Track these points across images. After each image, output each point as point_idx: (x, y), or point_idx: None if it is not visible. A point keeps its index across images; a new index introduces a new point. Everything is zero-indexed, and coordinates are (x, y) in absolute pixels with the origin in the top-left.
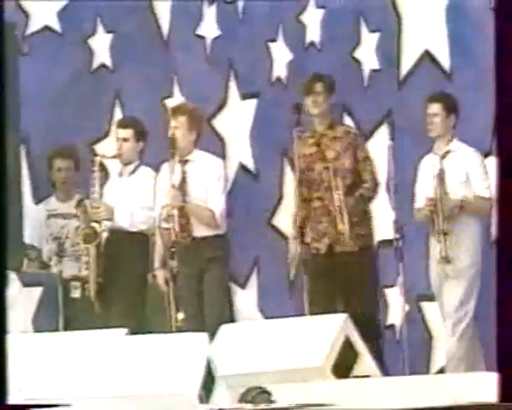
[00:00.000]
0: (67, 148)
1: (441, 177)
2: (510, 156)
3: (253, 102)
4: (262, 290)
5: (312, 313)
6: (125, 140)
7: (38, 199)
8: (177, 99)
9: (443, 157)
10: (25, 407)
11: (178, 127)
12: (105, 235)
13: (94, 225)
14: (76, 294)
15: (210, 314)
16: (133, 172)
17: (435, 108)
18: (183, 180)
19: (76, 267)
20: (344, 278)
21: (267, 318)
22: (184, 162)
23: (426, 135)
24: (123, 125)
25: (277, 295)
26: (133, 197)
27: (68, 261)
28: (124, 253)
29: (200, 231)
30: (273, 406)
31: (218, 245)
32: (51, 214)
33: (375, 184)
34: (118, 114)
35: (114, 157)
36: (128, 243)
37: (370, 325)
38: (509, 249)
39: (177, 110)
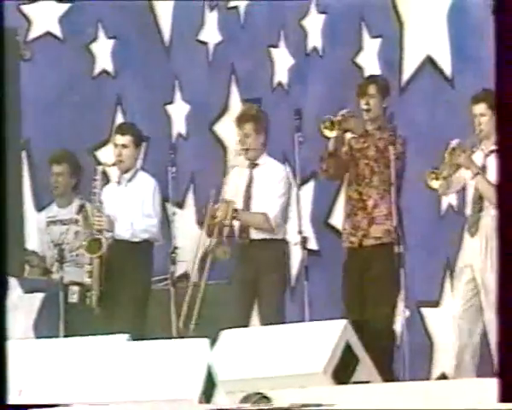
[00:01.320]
0: (62, 152)
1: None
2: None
3: None
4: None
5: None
6: (124, 146)
7: (40, 205)
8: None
9: (487, 156)
10: (25, 408)
11: (248, 134)
12: (108, 243)
13: (98, 235)
14: (74, 299)
15: (265, 319)
16: (131, 179)
17: (481, 108)
18: (250, 184)
19: (76, 273)
20: (368, 278)
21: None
22: (253, 166)
23: (428, 141)
24: (122, 131)
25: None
26: (132, 206)
27: (69, 267)
28: (126, 261)
29: (258, 234)
30: (272, 406)
31: (276, 248)
32: (51, 221)
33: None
34: (119, 120)
35: (114, 164)
36: (130, 251)
37: (385, 332)
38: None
39: (242, 118)
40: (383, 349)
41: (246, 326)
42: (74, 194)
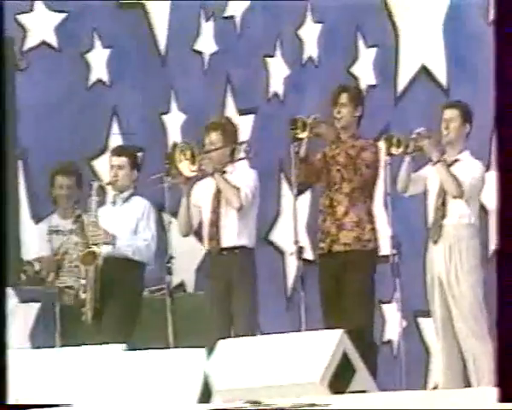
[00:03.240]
0: (69, 165)
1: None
2: (509, 169)
3: (250, 118)
4: (259, 306)
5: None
6: (120, 168)
7: (36, 215)
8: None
9: (450, 165)
10: (25, 407)
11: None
12: (103, 256)
13: (93, 248)
14: (69, 301)
15: (238, 329)
16: (127, 200)
17: (452, 113)
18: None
19: (74, 283)
20: (343, 285)
21: (263, 333)
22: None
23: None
24: (118, 153)
25: (274, 310)
26: (127, 226)
27: (66, 278)
28: (121, 274)
29: (228, 239)
30: (272, 406)
31: (246, 256)
32: (52, 230)
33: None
34: (115, 130)
35: (110, 184)
36: (125, 265)
37: (366, 341)
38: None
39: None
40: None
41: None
42: (76, 206)
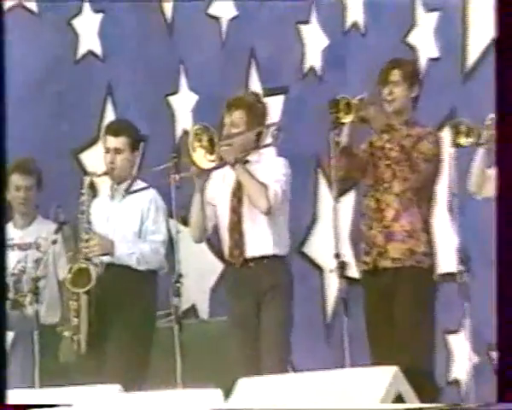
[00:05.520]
0: (28, 161)
1: None
2: None
3: (279, 100)
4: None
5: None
6: (118, 151)
7: None
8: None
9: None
10: (25, 407)
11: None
12: (98, 272)
13: (85, 264)
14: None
15: (267, 361)
16: (127, 191)
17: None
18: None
19: (33, 310)
20: (393, 311)
21: (297, 370)
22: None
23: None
24: (114, 131)
25: (310, 341)
26: (130, 225)
27: (27, 303)
28: (123, 294)
29: (255, 247)
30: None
31: (279, 269)
32: (7, 245)
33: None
34: (110, 114)
35: (106, 174)
36: (129, 280)
37: (425, 381)
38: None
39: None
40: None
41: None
42: (36, 211)
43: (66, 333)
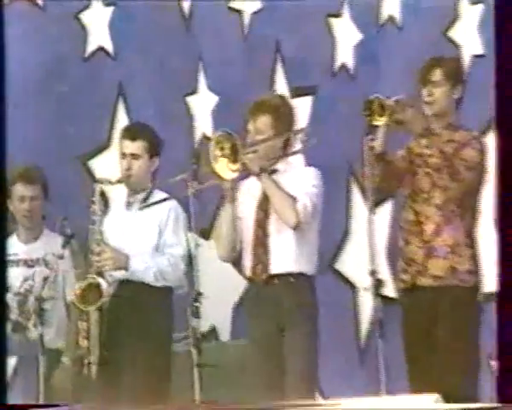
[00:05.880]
0: (32, 169)
1: None
2: None
3: (307, 101)
4: (321, 358)
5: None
6: (135, 156)
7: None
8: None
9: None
10: (25, 407)
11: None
12: (110, 289)
13: (96, 279)
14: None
15: (292, 387)
16: (145, 201)
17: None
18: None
19: (48, 333)
20: (434, 333)
21: (327, 397)
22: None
23: None
24: (132, 135)
25: (342, 365)
26: (147, 238)
27: (30, 326)
28: (137, 313)
29: (280, 264)
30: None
31: (305, 288)
32: (9, 260)
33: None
34: (121, 117)
35: (120, 182)
36: (145, 295)
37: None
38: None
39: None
40: None
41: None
42: (42, 224)
43: (65, 359)
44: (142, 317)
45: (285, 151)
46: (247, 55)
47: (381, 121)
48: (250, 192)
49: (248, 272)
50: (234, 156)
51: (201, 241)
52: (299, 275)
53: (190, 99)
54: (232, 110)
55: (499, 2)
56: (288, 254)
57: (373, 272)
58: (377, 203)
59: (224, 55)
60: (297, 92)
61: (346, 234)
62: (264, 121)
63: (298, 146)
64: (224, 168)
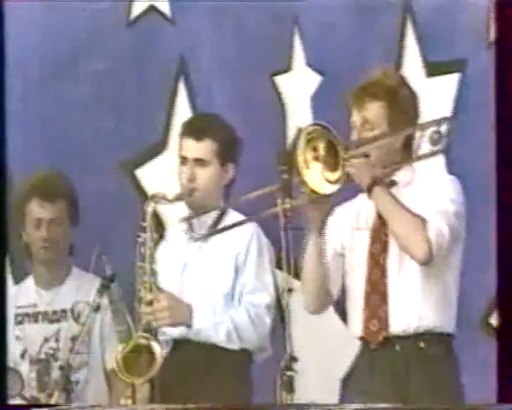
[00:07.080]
0: (53, 179)
1: None
2: None
3: (446, 82)
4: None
5: None
6: (201, 163)
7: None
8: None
9: None
10: (25, 407)
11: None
12: (164, 352)
13: (146, 339)
14: None
15: None
16: (215, 225)
17: None
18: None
19: None
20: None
21: None
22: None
23: None
24: (197, 132)
25: None
26: (216, 283)
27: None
28: (202, 386)
29: (405, 320)
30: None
31: (443, 354)
32: (24, 314)
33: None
34: (182, 107)
35: (179, 199)
36: (211, 366)
37: None
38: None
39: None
40: None
41: None
42: (70, 260)
43: None
44: (207, 392)
45: (408, 154)
46: (360, 18)
47: None
48: (358, 214)
49: (358, 331)
50: (333, 161)
51: (296, 283)
52: (434, 336)
53: (281, 79)
54: (340, 96)
55: None
56: (415, 304)
57: None
58: None
59: (329, 17)
60: (432, 69)
61: None
62: (375, 111)
63: (428, 147)
64: (318, 178)
